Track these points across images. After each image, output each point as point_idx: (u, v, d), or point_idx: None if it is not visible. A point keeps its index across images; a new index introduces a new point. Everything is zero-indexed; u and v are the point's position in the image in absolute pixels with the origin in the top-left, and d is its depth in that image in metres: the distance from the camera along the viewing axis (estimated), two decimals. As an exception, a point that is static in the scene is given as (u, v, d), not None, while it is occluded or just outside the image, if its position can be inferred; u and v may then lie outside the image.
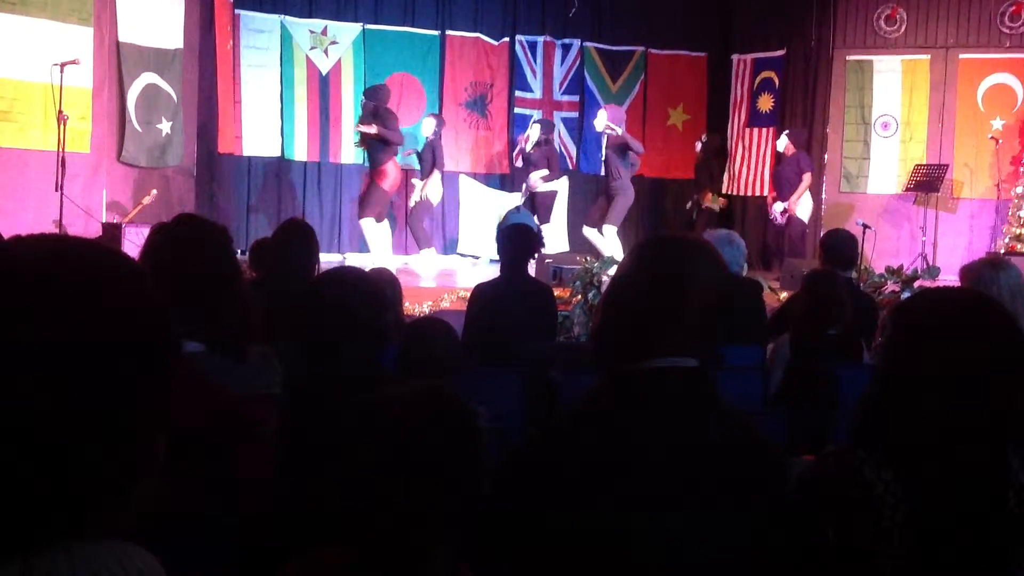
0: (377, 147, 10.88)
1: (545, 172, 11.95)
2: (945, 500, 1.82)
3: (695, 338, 1.82)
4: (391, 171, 10.95)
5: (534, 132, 12.28)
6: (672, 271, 1.83)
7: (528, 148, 12.18)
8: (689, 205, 13.42)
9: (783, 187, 12.11)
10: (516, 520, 1.76)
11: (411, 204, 11.78)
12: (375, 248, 11.10)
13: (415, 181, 11.75)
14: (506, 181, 13.53)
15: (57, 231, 8.26)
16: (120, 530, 0.99)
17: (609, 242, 11.30)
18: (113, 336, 0.95)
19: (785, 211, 11.97)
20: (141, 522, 1.01)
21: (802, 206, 12.06)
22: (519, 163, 12.72)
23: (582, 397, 1.89)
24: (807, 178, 11.99)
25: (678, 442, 1.76)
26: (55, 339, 0.91)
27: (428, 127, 11.72)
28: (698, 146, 13.55)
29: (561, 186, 12.82)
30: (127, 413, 0.96)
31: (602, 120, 11.62)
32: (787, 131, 12.41)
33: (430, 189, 11.58)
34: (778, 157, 12.60)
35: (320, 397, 2.39)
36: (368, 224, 11.02)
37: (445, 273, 11.39)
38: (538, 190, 11.97)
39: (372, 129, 10.82)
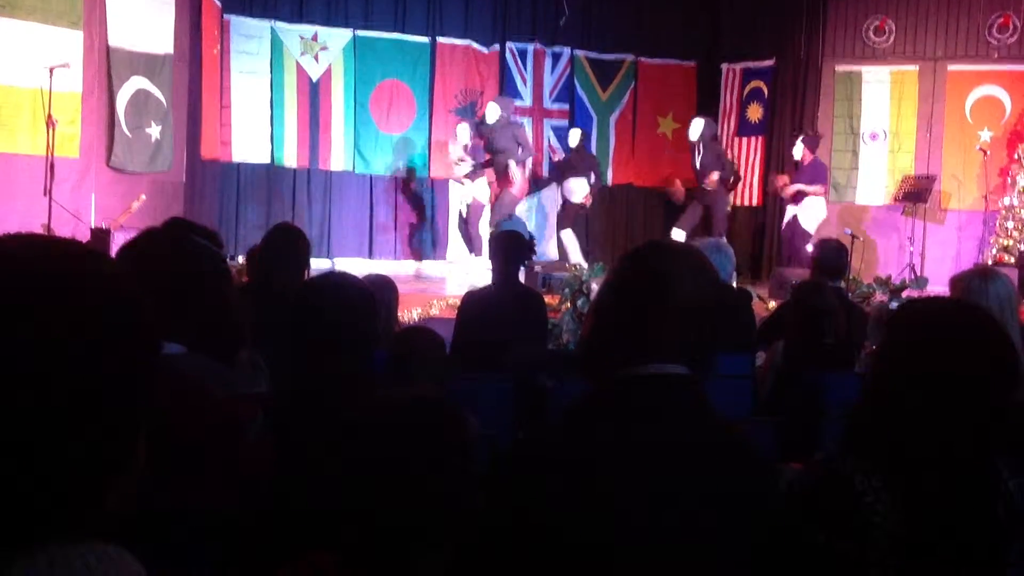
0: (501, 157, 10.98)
1: (583, 180, 12.15)
2: (934, 508, 1.82)
3: (684, 345, 1.81)
4: (517, 176, 11.02)
5: (573, 137, 12.40)
6: (660, 278, 1.83)
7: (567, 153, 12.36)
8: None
9: (796, 195, 11.88)
10: (504, 526, 1.75)
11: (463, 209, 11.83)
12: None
13: (465, 182, 11.79)
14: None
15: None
16: (99, 530, 0.98)
17: None
18: (88, 333, 0.94)
19: (793, 218, 11.86)
20: (122, 522, 1.00)
21: (809, 215, 11.83)
22: (546, 169, 12.83)
23: (571, 404, 1.88)
24: (817, 189, 11.79)
25: (666, 449, 1.75)
26: (30, 336, 0.91)
27: (462, 132, 11.78)
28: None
29: (551, 195, 12.89)
30: (104, 411, 0.95)
31: (697, 129, 11.73)
32: (801, 137, 12.10)
33: (476, 192, 11.66)
34: (796, 164, 12.23)
35: (308, 400, 2.38)
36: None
37: (436, 280, 11.40)
38: (574, 200, 12.13)
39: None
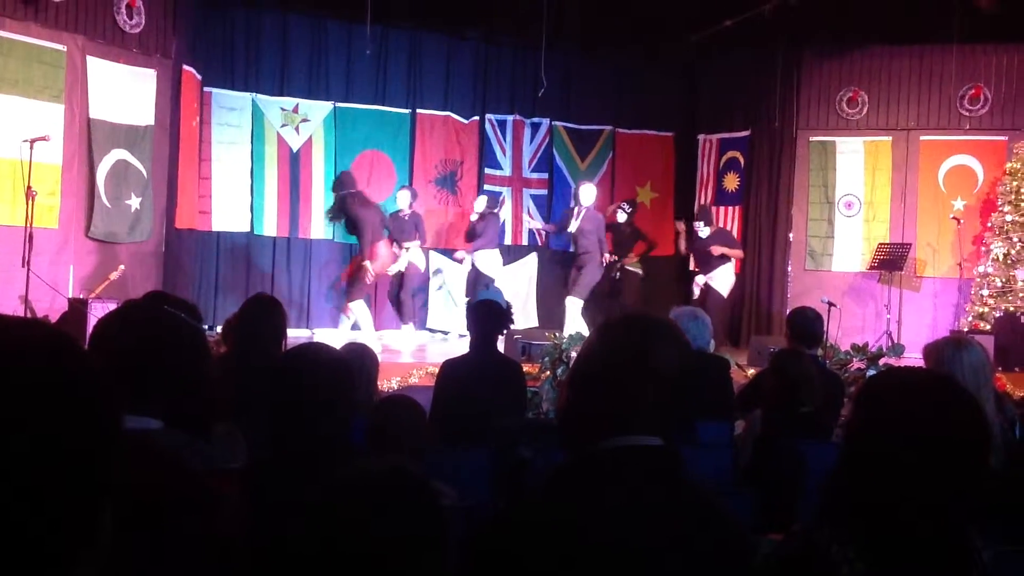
0: (366, 228, 10.94)
1: (494, 252, 12.18)
2: (909, 579, 1.82)
3: (659, 417, 1.83)
4: (382, 251, 10.98)
5: (479, 203, 12.40)
6: (634, 350, 1.85)
7: (473, 219, 12.29)
8: (614, 272, 13.25)
9: (707, 262, 12.50)
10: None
11: (392, 277, 11.80)
12: (367, 326, 11.04)
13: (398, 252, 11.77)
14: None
15: (23, 307, 8.20)
16: None
17: (571, 315, 11.56)
18: (48, 413, 0.94)
19: (705, 285, 12.42)
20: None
21: (721, 281, 12.34)
22: (525, 239, 12.88)
23: (548, 476, 1.89)
24: (737, 253, 12.59)
25: (642, 518, 1.75)
26: None
27: (403, 199, 11.82)
28: (621, 216, 13.25)
29: (530, 263, 12.94)
30: (64, 488, 0.95)
31: (590, 195, 12.10)
32: (697, 216, 12.86)
33: (413, 259, 11.68)
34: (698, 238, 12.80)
35: (283, 473, 2.38)
36: (359, 306, 10.96)
37: (415, 348, 11.38)
38: (480, 269, 12.13)
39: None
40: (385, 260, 11.09)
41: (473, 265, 12.26)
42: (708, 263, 12.39)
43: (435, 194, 13.58)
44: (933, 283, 12.80)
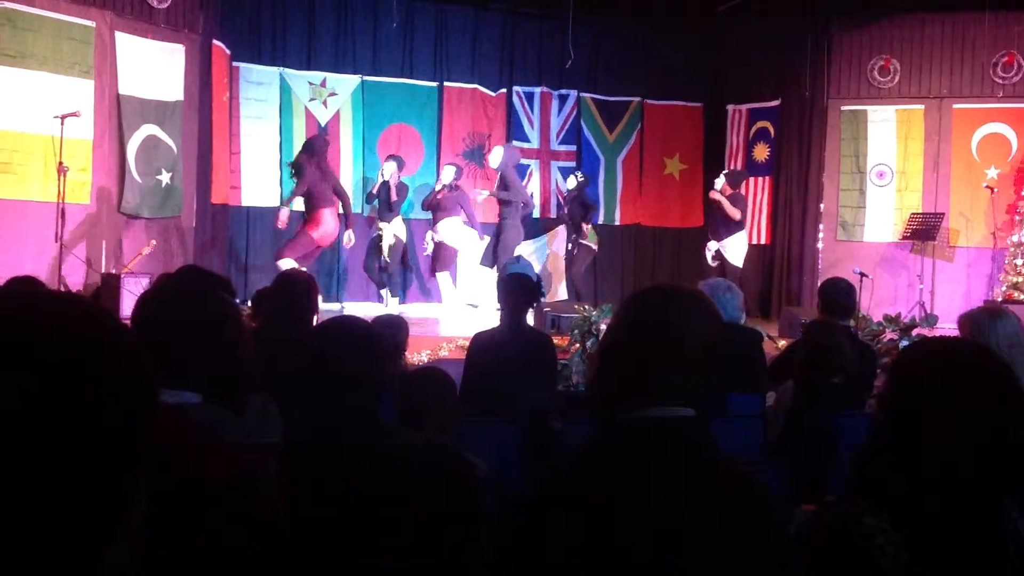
0: (312, 194, 10.79)
1: (456, 220, 11.96)
2: (944, 550, 1.81)
3: (690, 387, 1.82)
4: (327, 219, 10.82)
5: (447, 174, 12.06)
6: (664, 320, 1.84)
7: (437, 191, 12.01)
8: (569, 243, 13.01)
9: (716, 229, 12.14)
10: (512, 567, 1.75)
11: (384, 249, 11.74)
12: None
13: (383, 225, 11.69)
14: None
15: (56, 282, 8.28)
16: None
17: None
18: (88, 391, 0.94)
19: (717, 253, 12.05)
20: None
21: (735, 249, 12.07)
22: (425, 208, 12.31)
23: (578, 447, 1.89)
24: (735, 213, 12.08)
25: (672, 493, 1.75)
26: (16, 391, 0.90)
27: (389, 170, 11.64)
28: (572, 182, 12.92)
29: (559, 235, 12.88)
30: (101, 464, 0.95)
31: (497, 157, 11.84)
32: (725, 172, 12.44)
33: (398, 232, 11.61)
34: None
35: (317, 447, 2.39)
36: (286, 264, 10.37)
37: (444, 322, 11.40)
38: (445, 241, 11.95)
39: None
40: (329, 230, 10.90)
41: (433, 239, 12.05)
42: (717, 229, 12.12)
43: (463, 167, 13.55)
44: (966, 253, 12.69)
